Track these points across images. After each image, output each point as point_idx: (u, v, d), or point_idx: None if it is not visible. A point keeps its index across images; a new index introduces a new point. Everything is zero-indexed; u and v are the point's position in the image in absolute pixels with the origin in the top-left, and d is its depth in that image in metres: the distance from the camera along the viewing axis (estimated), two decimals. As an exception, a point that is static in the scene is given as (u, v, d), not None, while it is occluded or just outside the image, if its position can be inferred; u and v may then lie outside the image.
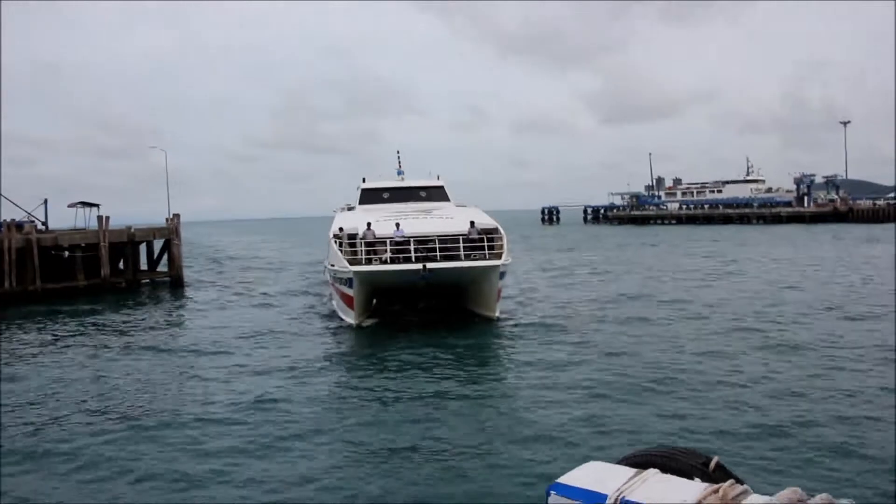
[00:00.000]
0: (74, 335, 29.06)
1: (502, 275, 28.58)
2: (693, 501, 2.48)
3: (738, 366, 19.93)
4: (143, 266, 52.42)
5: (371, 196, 38.67)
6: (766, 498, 2.51)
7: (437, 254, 27.93)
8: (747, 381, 18.14)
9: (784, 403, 16.15)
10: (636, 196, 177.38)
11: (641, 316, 29.34)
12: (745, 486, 2.57)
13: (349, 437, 14.99)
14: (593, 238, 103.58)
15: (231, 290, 46.45)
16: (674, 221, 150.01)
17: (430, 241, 28.70)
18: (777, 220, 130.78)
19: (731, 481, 2.61)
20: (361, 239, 28.87)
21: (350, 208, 38.78)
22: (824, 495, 2.49)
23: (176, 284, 48.98)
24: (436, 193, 38.94)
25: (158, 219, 54.72)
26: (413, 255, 27.58)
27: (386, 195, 38.67)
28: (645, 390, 17.75)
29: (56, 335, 29.26)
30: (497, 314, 28.79)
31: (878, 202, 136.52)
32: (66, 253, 44.10)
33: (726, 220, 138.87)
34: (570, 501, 2.72)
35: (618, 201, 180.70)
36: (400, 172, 43.11)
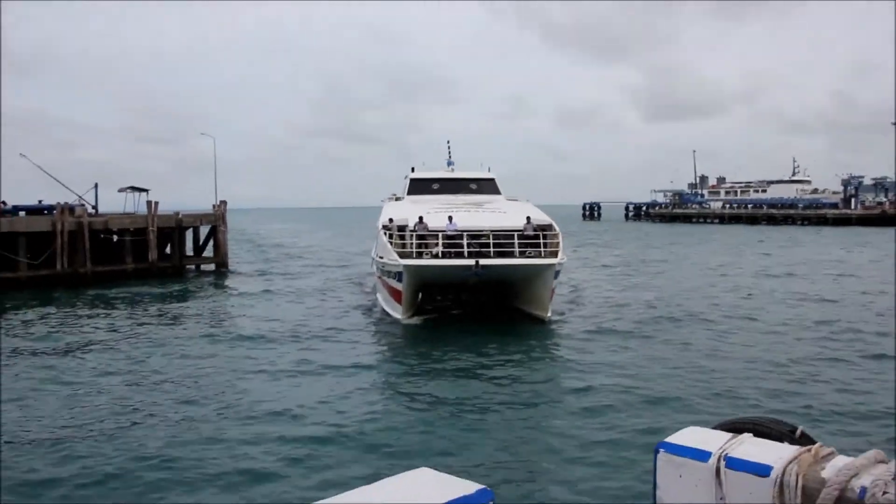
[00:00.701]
0: (127, 322, 28.31)
1: (557, 274, 27.07)
2: (789, 457, 2.67)
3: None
4: (189, 252, 51.89)
5: (420, 186, 37.06)
6: (851, 458, 2.64)
7: (491, 249, 26.50)
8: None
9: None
10: (679, 194, 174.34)
11: (698, 317, 27.72)
12: (831, 448, 2.77)
13: (405, 444, 13.75)
14: (641, 235, 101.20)
15: (275, 278, 45.54)
16: (717, 220, 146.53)
17: (483, 235, 27.29)
18: (822, 221, 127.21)
19: (819, 444, 2.81)
20: (412, 231, 27.53)
21: (398, 198, 37.43)
22: None
23: (221, 271, 48.77)
24: (487, 186, 37.42)
25: (199, 205, 54.04)
26: (465, 249, 26.18)
27: (436, 186, 37.11)
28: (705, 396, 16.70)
29: (110, 321, 28.60)
30: (549, 315, 27.31)
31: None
32: (115, 237, 43.99)
33: (770, 220, 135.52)
34: (678, 457, 2.90)
35: (660, 198, 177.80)
36: (450, 163, 41.46)
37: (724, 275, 44.86)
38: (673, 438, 3.01)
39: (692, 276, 44.90)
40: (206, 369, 20.07)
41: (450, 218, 27.65)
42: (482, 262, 25.46)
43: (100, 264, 42.65)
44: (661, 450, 2.98)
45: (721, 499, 2.75)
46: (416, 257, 26.20)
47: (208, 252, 51.69)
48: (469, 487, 2.60)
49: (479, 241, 27.03)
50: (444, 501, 2.50)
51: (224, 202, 50.91)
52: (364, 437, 14.09)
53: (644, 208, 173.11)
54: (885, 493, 2.32)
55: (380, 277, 29.22)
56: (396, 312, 27.04)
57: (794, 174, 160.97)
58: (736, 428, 3.05)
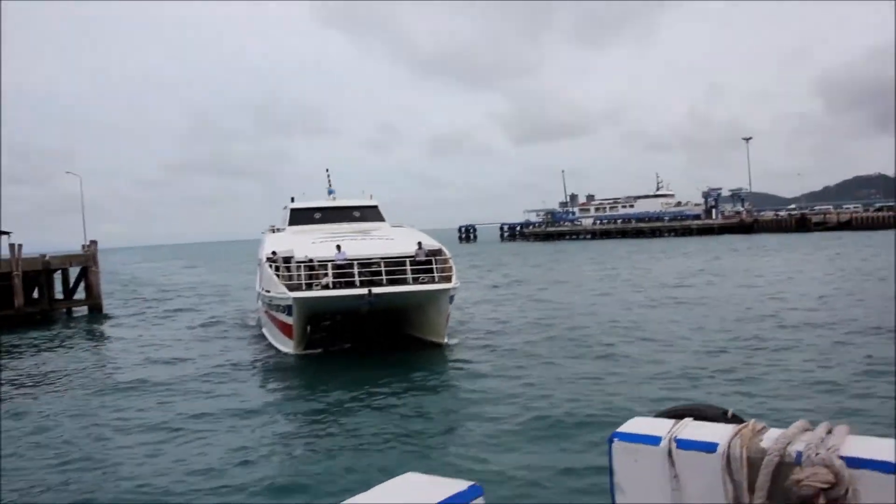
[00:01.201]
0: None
1: (451, 299, 26.14)
2: (731, 433, 2.88)
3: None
4: (59, 295, 48.96)
5: (301, 216, 35.51)
6: (782, 430, 2.83)
7: (383, 277, 25.38)
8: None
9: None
10: (551, 213, 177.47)
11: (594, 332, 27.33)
12: (764, 423, 2.98)
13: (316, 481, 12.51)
14: (515, 255, 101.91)
15: (154, 319, 42.90)
16: (588, 236, 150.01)
17: (374, 263, 26.14)
18: (688, 232, 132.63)
19: (753, 420, 3.02)
20: (299, 262, 26.12)
21: (278, 230, 35.82)
22: (825, 423, 2.81)
23: (95, 314, 46.11)
24: (370, 213, 36.27)
25: (65, 246, 50.99)
26: (357, 278, 24.96)
27: (318, 215, 35.69)
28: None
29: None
30: (446, 340, 26.33)
31: (780, 213, 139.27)
32: None
33: (639, 233, 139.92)
34: (631, 444, 3.10)
35: (533, 218, 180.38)
36: (331, 191, 40.03)
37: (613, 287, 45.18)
38: (624, 428, 3.20)
39: (573, 291, 45.00)
40: (68, 427, 17.93)
41: (338, 247, 26.33)
42: (375, 290, 24.31)
43: (-41, 312, 39.68)
44: (616, 439, 3.15)
45: (674, 476, 2.98)
46: (306, 289, 24.79)
47: (80, 294, 48.97)
48: (460, 485, 2.67)
49: (369, 269, 25.88)
50: (439, 500, 2.54)
51: (94, 242, 48.40)
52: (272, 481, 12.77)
53: (518, 228, 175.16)
54: (817, 453, 2.58)
55: (266, 312, 27.45)
56: (287, 347, 25.48)
57: (658, 189, 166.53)
58: (676, 414, 3.28)
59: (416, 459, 13.77)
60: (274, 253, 27.47)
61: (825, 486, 2.48)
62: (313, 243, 27.71)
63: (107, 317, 45.15)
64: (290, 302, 23.99)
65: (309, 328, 27.17)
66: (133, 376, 23.79)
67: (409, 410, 17.73)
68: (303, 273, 25.08)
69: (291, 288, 24.52)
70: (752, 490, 2.73)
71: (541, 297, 42.38)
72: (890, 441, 2.60)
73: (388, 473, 2.71)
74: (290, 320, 24.64)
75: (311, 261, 26.04)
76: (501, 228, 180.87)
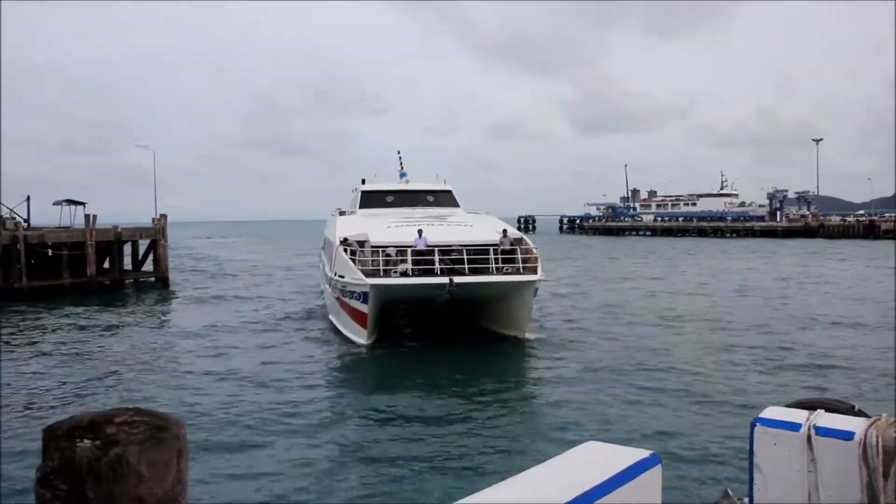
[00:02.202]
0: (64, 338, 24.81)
1: (535, 292, 23.99)
2: (867, 424, 3.04)
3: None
4: (128, 266, 48.80)
5: (373, 199, 33.54)
6: None
7: (465, 266, 23.30)
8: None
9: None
10: (612, 207, 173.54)
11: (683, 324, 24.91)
12: (894, 418, 3.11)
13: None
14: (582, 247, 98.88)
15: (220, 295, 41.63)
16: (648, 233, 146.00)
17: (455, 251, 24.08)
18: (750, 233, 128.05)
19: (885, 414, 3.18)
20: (375, 247, 24.19)
21: (347, 212, 33.88)
22: None
23: (162, 285, 45.73)
24: (445, 198, 34.16)
25: (131, 218, 50.73)
26: (437, 266, 22.92)
27: (390, 199, 33.67)
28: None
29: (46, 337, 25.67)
30: (527, 335, 24.19)
31: (847, 219, 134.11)
32: (51, 251, 40.94)
33: (700, 232, 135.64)
34: (772, 429, 3.29)
35: (593, 212, 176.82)
36: (403, 174, 37.97)
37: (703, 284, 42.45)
38: (764, 414, 3.43)
39: (643, 286, 42.37)
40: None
41: (419, 232, 24.36)
42: (456, 279, 22.27)
43: (36, 279, 40.09)
44: (758, 424, 3.38)
45: (812, 460, 3.18)
46: (383, 275, 22.82)
47: (148, 266, 48.83)
48: (640, 454, 2.73)
49: (449, 256, 23.85)
50: (623, 467, 2.57)
51: (164, 216, 47.94)
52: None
53: (578, 221, 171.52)
54: None
55: (338, 298, 25.51)
56: (359, 337, 23.55)
57: (722, 188, 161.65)
58: (808, 406, 3.44)
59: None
60: (347, 238, 25.54)
61: None
62: (388, 228, 25.72)
63: (173, 292, 44.17)
64: (366, 289, 22.08)
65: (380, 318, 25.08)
66: (201, 366, 21.94)
67: (493, 419, 15.70)
68: (380, 258, 23.14)
69: (367, 274, 22.60)
70: (885, 476, 2.90)
71: (613, 292, 39.90)
72: None
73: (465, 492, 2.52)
74: (364, 308, 22.72)
75: (386, 246, 24.11)
76: (561, 221, 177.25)
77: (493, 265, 23.65)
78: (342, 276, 24.09)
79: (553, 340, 24.54)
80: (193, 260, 76.73)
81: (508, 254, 24.34)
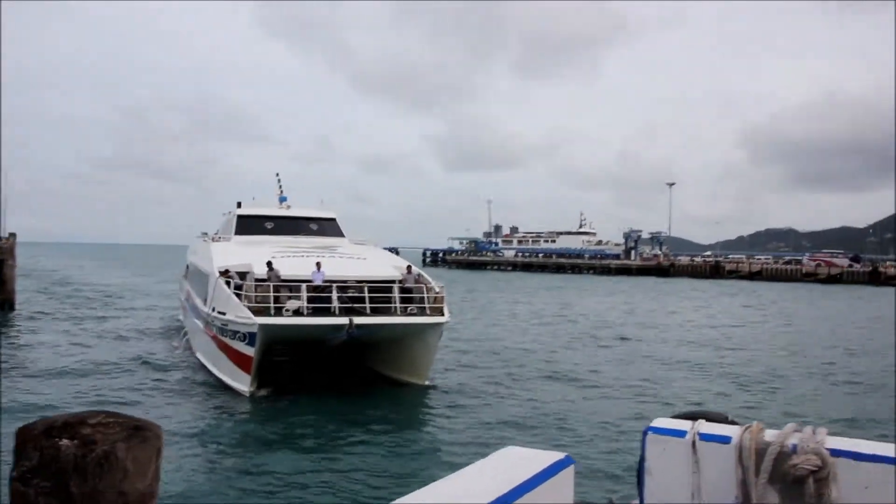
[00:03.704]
0: None
1: (440, 335, 21.19)
2: (742, 430, 3.33)
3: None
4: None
5: (251, 225, 29.58)
6: (776, 430, 3.28)
7: (367, 305, 20.23)
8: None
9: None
10: (475, 241, 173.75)
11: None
12: (762, 424, 3.39)
13: None
14: (445, 280, 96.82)
15: (73, 323, 36.49)
16: (510, 268, 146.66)
17: (352, 287, 21.02)
18: (606, 271, 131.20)
19: (755, 421, 3.46)
20: (260, 281, 20.76)
21: (219, 238, 30.06)
22: (810, 426, 3.27)
23: (5, 309, 40.52)
24: (329, 227, 30.88)
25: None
26: (336, 305, 19.79)
27: (269, 225, 29.92)
28: None
29: None
30: (427, 382, 21.33)
31: (695, 259, 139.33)
32: None
33: (559, 268, 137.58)
34: (662, 436, 3.49)
35: (456, 245, 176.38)
36: (283, 199, 34.26)
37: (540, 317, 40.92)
38: (655, 424, 3.61)
39: (524, 322, 40.50)
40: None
41: (318, 265, 21.04)
42: (357, 320, 19.15)
43: None
44: (650, 432, 3.56)
45: (695, 462, 3.42)
46: (274, 314, 19.40)
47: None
48: (556, 456, 2.95)
49: (346, 293, 20.75)
50: (539, 469, 2.76)
51: (13, 234, 43.48)
52: None
53: (441, 254, 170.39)
54: (808, 445, 3.09)
55: (215, 337, 21.63)
56: (241, 384, 19.77)
57: (580, 226, 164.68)
58: (690, 417, 3.70)
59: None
60: (227, 269, 21.92)
61: (815, 469, 3.06)
62: (274, 258, 22.26)
63: (18, 314, 39.41)
64: (253, 329, 18.57)
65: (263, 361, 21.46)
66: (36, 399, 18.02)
67: (404, 476, 12.83)
68: (271, 294, 19.68)
69: (254, 311, 19.14)
70: (757, 473, 3.21)
71: (492, 327, 37.68)
72: (857, 440, 3.18)
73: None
74: (249, 351, 19.13)
75: (273, 280, 20.71)
76: (424, 253, 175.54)
77: (397, 304, 20.70)
78: (222, 313, 20.38)
79: (449, 385, 21.85)
80: (47, 283, 69.50)
81: (409, 292, 21.48)
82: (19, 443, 1.59)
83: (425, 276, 23.02)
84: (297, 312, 19.58)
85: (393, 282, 21.54)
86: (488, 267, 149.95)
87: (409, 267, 22.55)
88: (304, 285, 20.11)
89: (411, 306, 20.96)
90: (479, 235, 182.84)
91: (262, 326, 18.54)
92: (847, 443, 3.18)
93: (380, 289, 20.95)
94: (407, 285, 21.48)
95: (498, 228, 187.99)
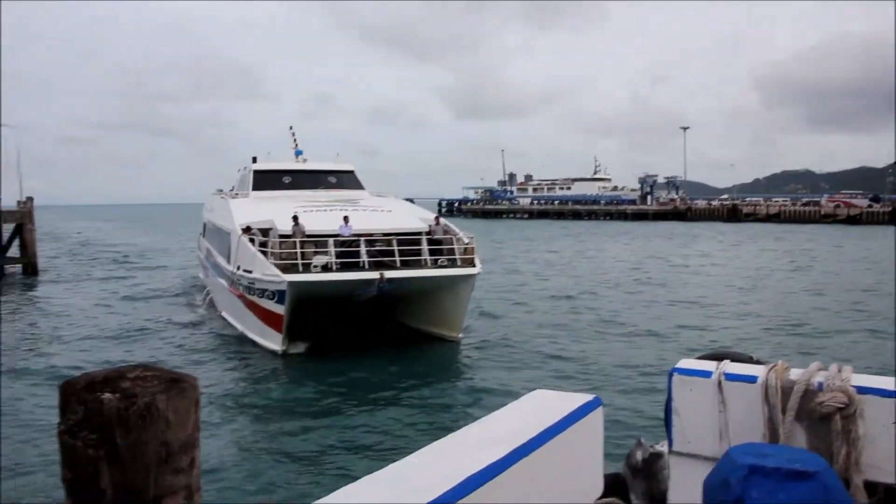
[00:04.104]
0: None
1: (472, 287, 20.52)
2: (767, 369, 3.39)
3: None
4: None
5: (268, 180, 28.79)
6: (801, 369, 3.33)
7: (396, 258, 19.55)
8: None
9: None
10: (490, 191, 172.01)
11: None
12: (787, 363, 3.43)
13: None
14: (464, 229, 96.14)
15: (97, 284, 36.32)
16: (525, 216, 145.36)
17: (380, 241, 20.34)
18: (623, 216, 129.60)
19: (780, 360, 3.49)
20: (284, 236, 20.10)
21: (237, 195, 29.36)
22: (835, 364, 3.32)
23: (29, 273, 40.62)
24: (348, 180, 30.10)
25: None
26: (364, 259, 19.13)
27: (287, 180, 29.11)
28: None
29: None
30: (460, 335, 20.74)
31: (712, 202, 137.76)
32: None
33: (575, 215, 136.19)
34: (687, 377, 3.54)
35: (471, 195, 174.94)
36: (299, 152, 33.32)
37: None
38: (680, 365, 3.65)
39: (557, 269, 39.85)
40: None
41: (345, 218, 20.34)
42: (387, 274, 18.52)
43: None
44: (675, 373, 3.60)
45: (721, 401, 3.47)
46: (303, 270, 18.76)
47: (13, 252, 42.83)
48: (585, 398, 2.94)
49: (373, 247, 20.07)
50: (570, 411, 2.76)
51: (30, 198, 43.22)
52: None
53: (457, 204, 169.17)
54: (834, 383, 3.11)
55: (242, 296, 21.06)
56: (272, 342, 19.31)
57: (595, 172, 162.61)
58: (715, 357, 3.74)
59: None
60: (250, 225, 21.23)
61: (841, 405, 3.07)
62: (296, 213, 21.51)
63: (42, 276, 39.55)
64: (282, 286, 17.99)
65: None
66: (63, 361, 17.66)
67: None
68: (298, 250, 19.01)
69: (285, 270, 18.50)
70: (784, 411, 3.26)
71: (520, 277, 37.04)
72: (883, 377, 3.19)
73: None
74: (279, 309, 18.57)
75: (298, 235, 20.04)
76: (440, 204, 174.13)
77: (427, 257, 20.01)
78: (248, 272, 19.79)
79: (478, 336, 21.39)
80: (64, 244, 69.33)
81: (438, 243, 20.79)
82: (63, 397, 1.63)
83: (452, 227, 22.32)
84: (326, 268, 18.94)
85: (420, 234, 20.85)
86: (504, 216, 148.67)
87: (437, 218, 21.87)
88: (331, 240, 19.42)
89: (441, 258, 20.29)
90: (493, 184, 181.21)
91: (292, 284, 17.94)
92: (873, 380, 3.23)
93: (408, 241, 20.28)
94: (436, 237, 20.77)
95: (512, 177, 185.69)
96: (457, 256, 20.30)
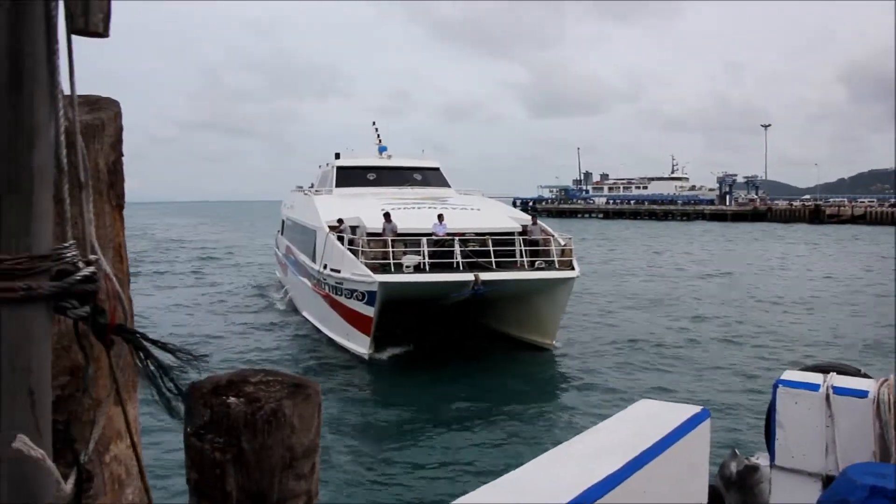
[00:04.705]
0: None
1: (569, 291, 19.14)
2: (879, 383, 3.24)
3: None
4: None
5: (352, 177, 27.66)
6: None
7: (492, 259, 18.30)
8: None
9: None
10: (565, 189, 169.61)
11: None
12: None
13: None
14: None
15: (181, 283, 36.13)
16: (601, 215, 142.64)
17: (473, 240, 19.13)
18: (700, 216, 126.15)
19: (892, 375, 3.35)
20: (373, 235, 19.07)
21: (316, 191, 28.37)
22: None
23: None
24: (434, 177, 28.92)
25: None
26: (458, 259, 17.95)
27: (372, 176, 28.03)
28: None
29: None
30: (555, 342, 19.39)
31: (794, 203, 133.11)
32: None
33: (651, 215, 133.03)
34: (793, 389, 3.45)
35: (546, 194, 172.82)
36: (383, 148, 31.98)
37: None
38: (785, 377, 3.57)
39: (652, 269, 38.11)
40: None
41: (439, 217, 19.17)
42: (483, 276, 17.29)
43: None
44: (780, 385, 3.52)
45: (829, 416, 3.31)
46: (395, 270, 17.66)
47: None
48: (692, 409, 2.81)
49: (467, 247, 18.86)
50: (679, 423, 2.62)
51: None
52: None
53: (531, 203, 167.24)
54: None
55: (328, 296, 20.01)
56: (360, 346, 18.21)
57: (672, 171, 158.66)
58: (821, 370, 3.62)
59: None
60: (340, 221, 20.27)
61: None
62: (394, 210, 20.39)
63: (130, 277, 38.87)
64: (373, 287, 16.90)
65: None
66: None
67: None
68: (390, 249, 17.92)
69: (372, 269, 17.45)
70: None
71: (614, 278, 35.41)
72: None
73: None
74: (369, 311, 17.48)
75: (387, 234, 18.98)
76: (514, 203, 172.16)
77: (524, 258, 18.72)
78: (336, 271, 18.80)
79: (580, 347, 19.95)
80: (155, 243, 70.06)
81: (535, 244, 19.47)
82: (189, 400, 1.60)
83: (548, 228, 20.99)
84: (418, 268, 17.81)
85: (513, 234, 19.57)
86: (579, 215, 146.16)
87: (534, 218, 20.54)
88: (424, 239, 18.27)
89: (539, 260, 18.96)
90: (568, 183, 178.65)
91: (383, 284, 16.84)
92: None
93: (503, 241, 19.01)
94: (533, 237, 19.47)
95: (588, 175, 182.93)
96: (554, 258, 18.95)
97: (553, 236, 19.88)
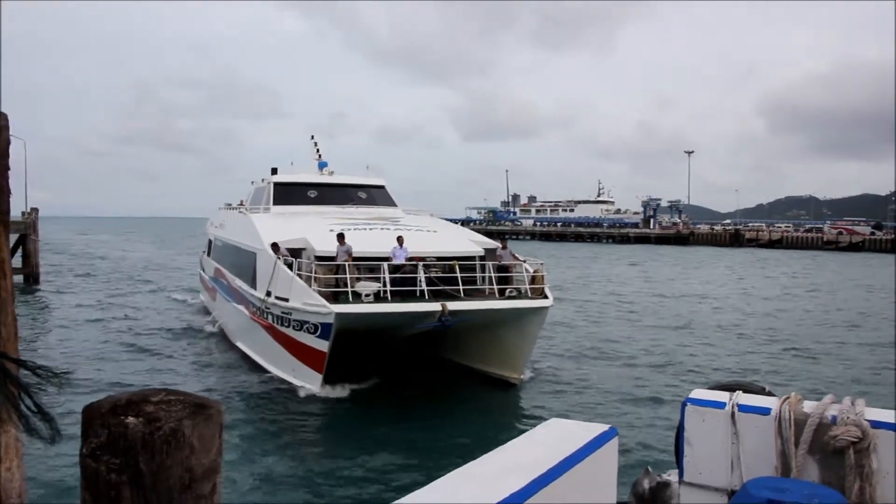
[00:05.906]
0: None
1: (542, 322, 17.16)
2: (780, 401, 3.28)
3: None
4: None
5: (290, 194, 25.09)
6: (814, 402, 3.26)
7: (460, 287, 16.18)
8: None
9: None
10: (493, 211, 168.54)
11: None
12: (800, 396, 3.34)
13: None
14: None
15: (96, 299, 33.42)
16: (528, 237, 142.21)
17: (435, 266, 17.02)
18: (625, 239, 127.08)
19: (794, 392, 3.41)
20: (322, 259, 16.78)
21: (250, 208, 25.85)
22: (848, 397, 3.22)
23: (30, 282, 38.57)
24: (379, 195, 26.59)
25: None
26: (423, 288, 15.80)
27: (312, 193, 25.47)
28: None
29: None
30: (522, 376, 17.39)
31: (715, 227, 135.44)
32: None
33: (578, 237, 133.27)
34: (701, 407, 3.45)
35: (474, 216, 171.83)
36: (323, 164, 29.32)
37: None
38: (693, 395, 3.55)
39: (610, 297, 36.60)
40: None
41: (399, 240, 16.97)
42: (450, 306, 15.19)
43: None
44: (688, 403, 3.50)
45: (734, 433, 3.35)
46: (352, 299, 15.37)
47: (15, 263, 38.98)
48: (600, 428, 2.77)
49: (428, 274, 16.69)
50: (586, 441, 2.59)
51: (35, 209, 41.10)
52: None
53: (459, 224, 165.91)
54: (849, 416, 3.02)
55: (271, 327, 17.44)
56: (310, 383, 15.78)
57: (599, 195, 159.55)
58: (727, 388, 3.63)
59: None
60: (275, 246, 17.72)
61: (855, 440, 2.96)
62: (332, 231, 18.09)
63: (43, 290, 37.11)
64: (329, 319, 14.61)
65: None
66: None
67: None
68: (348, 276, 15.62)
69: (326, 297, 15.12)
70: (797, 444, 3.15)
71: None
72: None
73: None
74: (321, 345, 15.14)
75: (341, 258, 16.71)
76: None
77: (493, 286, 16.69)
78: (283, 299, 16.39)
79: (548, 380, 18.01)
80: (70, 257, 65.96)
81: (505, 270, 17.49)
82: (86, 420, 1.54)
83: (517, 254, 19.04)
84: (378, 297, 15.59)
85: (474, 258, 17.56)
86: (506, 237, 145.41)
87: (503, 242, 18.55)
88: (385, 264, 16.06)
89: (509, 287, 16.97)
90: (497, 205, 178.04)
91: (340, 315, 14.55)
92: (887, 414, 3.17)
93: (468, 268, 16.97)
94: (504, 262, 17.48)
95: (516, 198, 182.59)
96: (526, 286, 16.97)
97: (522, 262, 17.92)
